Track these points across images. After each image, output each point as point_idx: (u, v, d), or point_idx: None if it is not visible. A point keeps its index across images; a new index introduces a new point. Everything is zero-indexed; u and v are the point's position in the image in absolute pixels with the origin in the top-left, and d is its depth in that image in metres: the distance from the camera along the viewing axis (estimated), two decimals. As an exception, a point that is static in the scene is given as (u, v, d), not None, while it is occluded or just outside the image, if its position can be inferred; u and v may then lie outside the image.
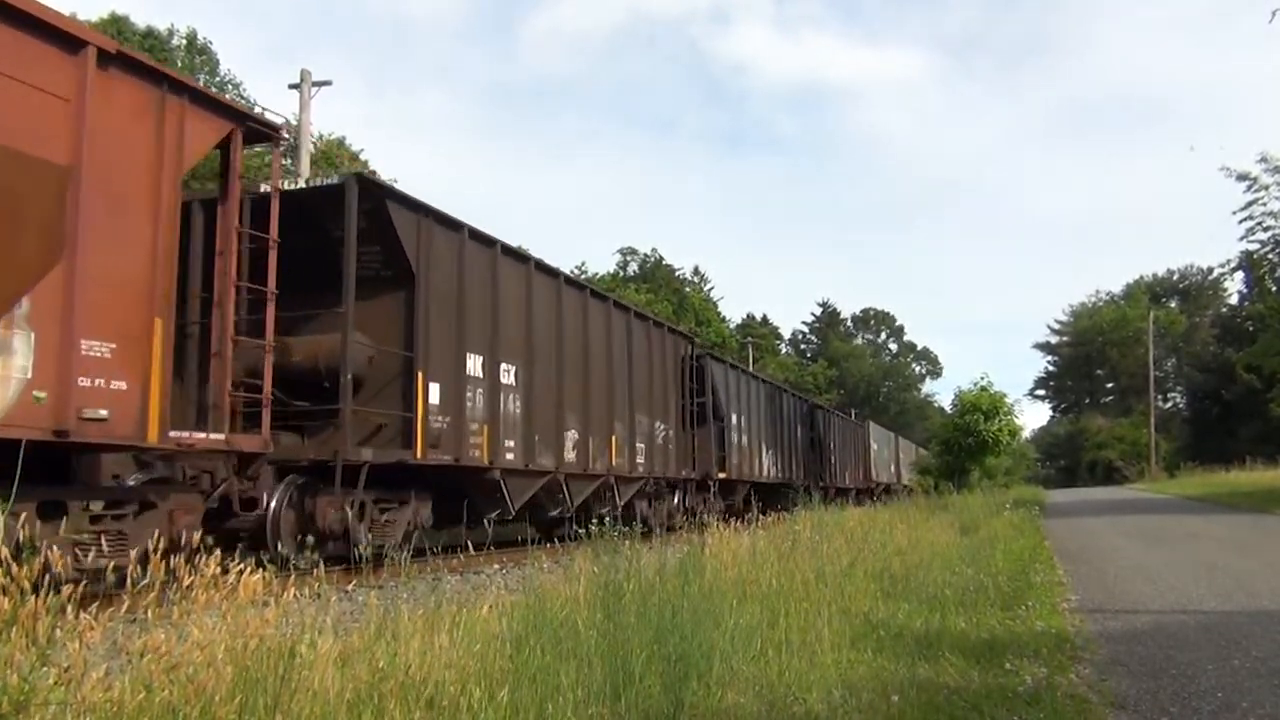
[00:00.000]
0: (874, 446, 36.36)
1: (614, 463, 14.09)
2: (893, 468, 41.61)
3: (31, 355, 6.10)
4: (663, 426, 16.30)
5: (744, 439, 20.61)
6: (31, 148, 6.15)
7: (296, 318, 9.49)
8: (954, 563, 8.75)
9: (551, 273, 12.89)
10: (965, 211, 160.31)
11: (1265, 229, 23.28)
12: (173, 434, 7.16)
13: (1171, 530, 15.41)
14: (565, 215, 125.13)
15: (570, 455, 12.83)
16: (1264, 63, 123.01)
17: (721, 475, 18.86)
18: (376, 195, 9.72)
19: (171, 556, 3.25)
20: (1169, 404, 78.39)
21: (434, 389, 10.10)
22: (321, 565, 4.56)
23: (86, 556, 6.63)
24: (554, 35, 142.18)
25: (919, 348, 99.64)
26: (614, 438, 14.14)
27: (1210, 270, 75.39)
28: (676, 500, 17.19)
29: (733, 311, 78.11)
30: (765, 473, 22.01)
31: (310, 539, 6.63)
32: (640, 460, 15.15)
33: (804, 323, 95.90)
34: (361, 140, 42.66)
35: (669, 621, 4.37)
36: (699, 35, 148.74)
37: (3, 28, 6.00)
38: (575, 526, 7.34)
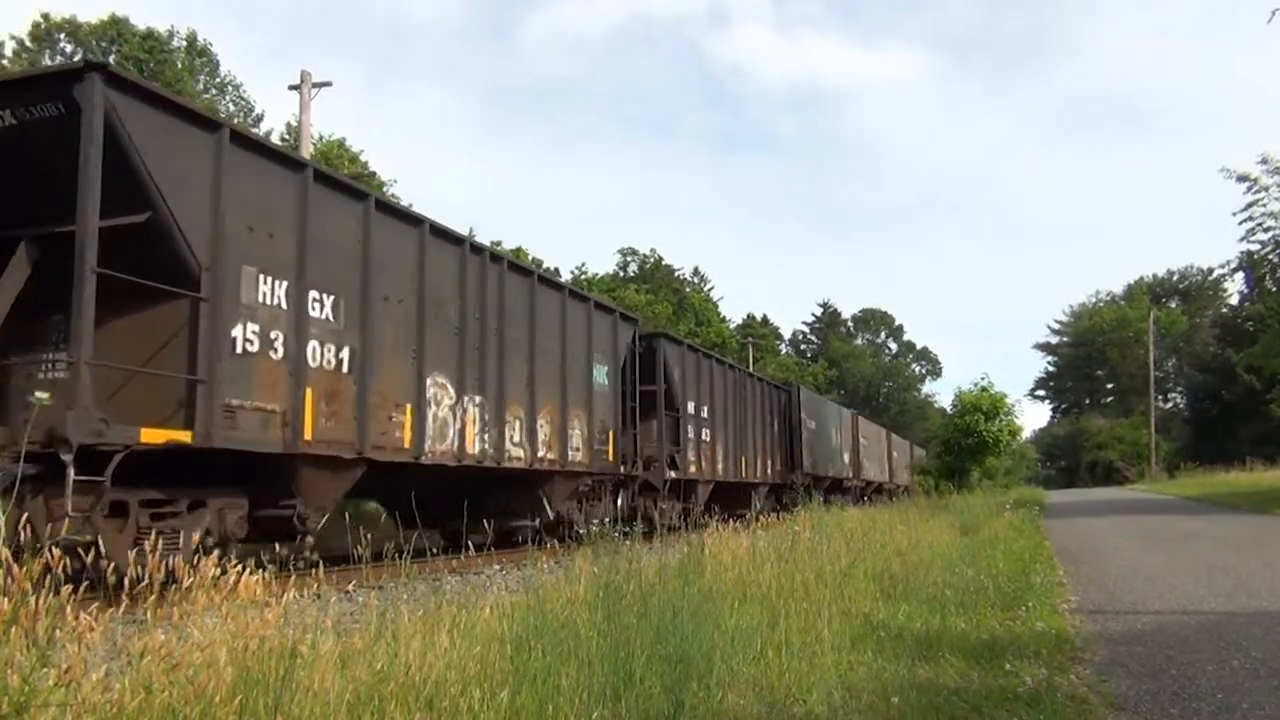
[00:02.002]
0: (809, 423, 25.88)
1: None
2: (846, 457, 31.25)
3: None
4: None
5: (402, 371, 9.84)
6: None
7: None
8: (954, 563, 8.75)
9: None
10: (965, 211, 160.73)
11: (1265, 230, 23.34)
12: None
13: (1171, 531, 15.40)
14: (565, 215, 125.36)
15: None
16: (1264, 63, 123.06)
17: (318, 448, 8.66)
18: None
19: (170, 557, 3.25)
20: (1169, 404, 78.39)
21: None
22: (321, 565, 4.55)
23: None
24: (554, 36, 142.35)
25: (919, 348, 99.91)
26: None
27: (1210, 270, 75.47)
28: None
29: (733, 311, 78.37)
30: (471, 446, 10.97)
31: None
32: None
33: (804, 323, 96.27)
34: (361, 141, 42.74)
35: (669, 623, 4.37)
36: (698, 36, 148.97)
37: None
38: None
